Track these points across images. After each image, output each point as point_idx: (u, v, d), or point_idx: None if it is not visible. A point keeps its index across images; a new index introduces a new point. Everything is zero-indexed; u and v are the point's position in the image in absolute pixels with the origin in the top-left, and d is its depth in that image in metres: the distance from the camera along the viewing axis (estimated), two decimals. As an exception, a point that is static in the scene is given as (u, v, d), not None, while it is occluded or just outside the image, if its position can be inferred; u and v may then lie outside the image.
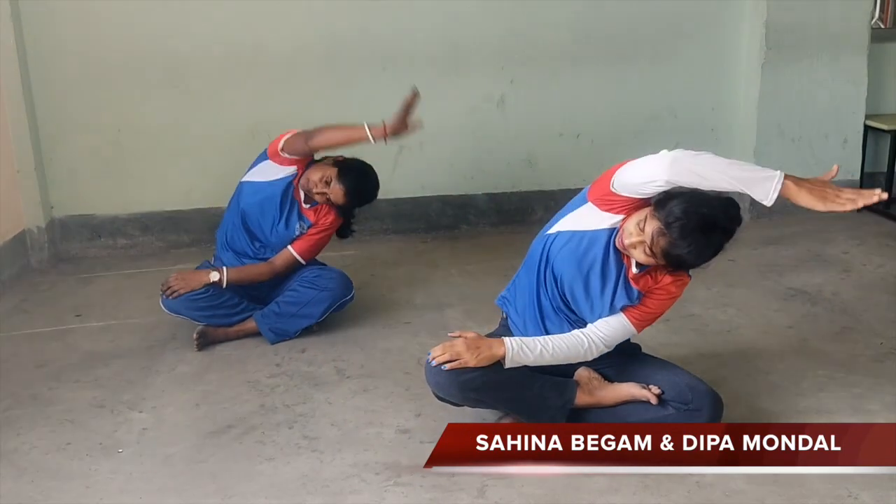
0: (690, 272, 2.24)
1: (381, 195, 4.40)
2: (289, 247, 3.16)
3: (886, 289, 3.53)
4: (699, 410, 2.24)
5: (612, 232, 2.21)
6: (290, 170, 3.14)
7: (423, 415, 2.56)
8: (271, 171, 3.15)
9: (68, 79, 4.07)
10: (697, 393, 2.26)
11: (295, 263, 3.17)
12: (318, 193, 3.08)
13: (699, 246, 2.05)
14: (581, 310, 2.29)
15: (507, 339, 2.21)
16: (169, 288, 3.04)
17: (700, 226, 2.04)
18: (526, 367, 2.24)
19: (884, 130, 4.60)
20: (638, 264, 2.21)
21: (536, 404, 2.29)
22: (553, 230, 2.31)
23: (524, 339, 2.24)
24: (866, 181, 4.69)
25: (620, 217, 2.19)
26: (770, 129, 4.50)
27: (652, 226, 2.07)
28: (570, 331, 2.30)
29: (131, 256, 4.22)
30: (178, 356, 3.02)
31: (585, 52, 4.41)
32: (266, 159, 3.15)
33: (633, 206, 2.17)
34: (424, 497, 2.15)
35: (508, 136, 4.48)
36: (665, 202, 2.08)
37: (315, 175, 3.07)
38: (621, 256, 2.23)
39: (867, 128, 4.59)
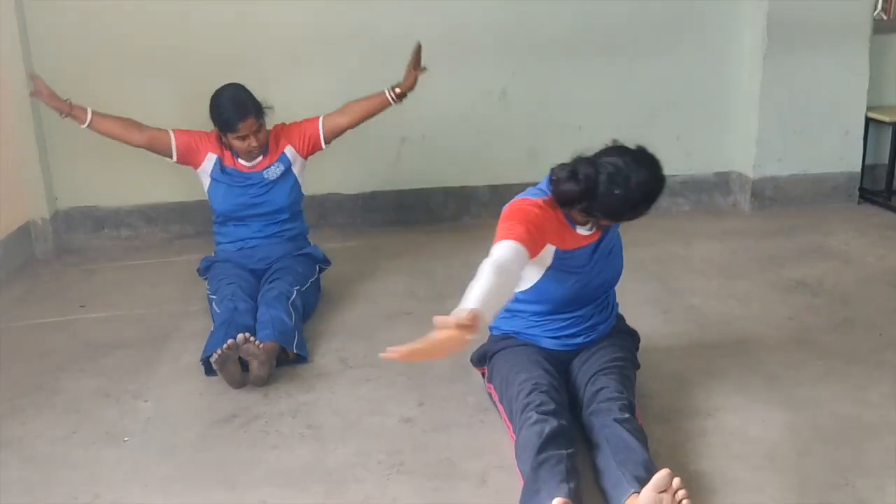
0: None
1: (384, 186, 4.49)
2: (318, 123, 3.36)
3: (887, 280, 3.55)
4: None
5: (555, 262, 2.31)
6: (210, 158, 3.31)
7: (425, 404, 2.59)
8: (202, 178, 3.38)
9: (71, 71, 4.07)
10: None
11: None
12: (254, 149, 3.23)
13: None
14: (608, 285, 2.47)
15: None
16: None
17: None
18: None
19: (885, 122, 4.60)
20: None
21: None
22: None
23: None
24: (867, 173, 4.70)
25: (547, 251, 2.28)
26: (771, 121, 4.50)
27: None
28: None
29: (135, 248, 4.24)
30: (182, 346, 3.04)
31: (587, 44, 4.42)
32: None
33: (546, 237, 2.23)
34: (427, 485, 2.17)
35: (510, 128, 4.49)
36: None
37: (239, 145, 3.22)
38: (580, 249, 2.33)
39: (868, 119, 4.59)
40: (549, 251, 2.27)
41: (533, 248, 2.14)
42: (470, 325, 1.77)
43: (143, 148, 3.35)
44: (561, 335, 2.46)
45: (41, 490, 2.20)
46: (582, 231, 2.32)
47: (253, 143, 3.20)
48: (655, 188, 2.19)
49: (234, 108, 3.16)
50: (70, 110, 3.27)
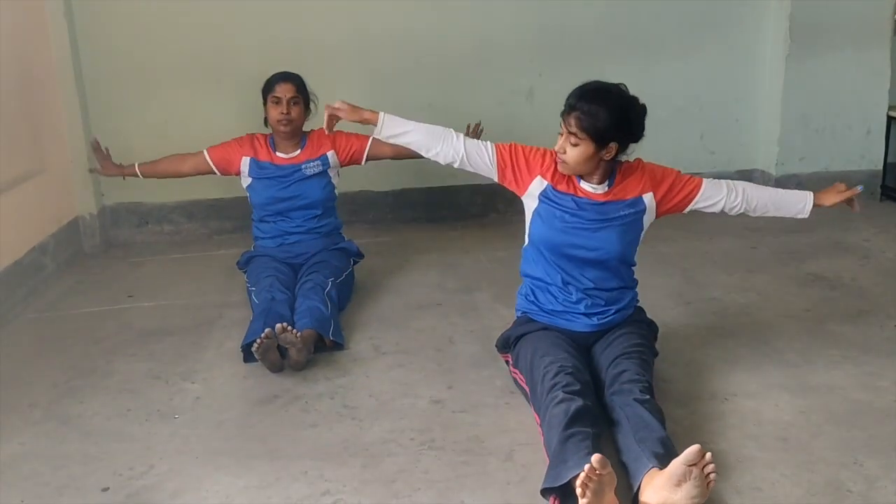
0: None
1: (413, 184, 4.64)
2: (366, 143, 3.54)
3: (904, 275, 3.63)
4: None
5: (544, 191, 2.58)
6: (245, 161, 3.49)
7: (454, 387, 2.73)
8: (243, 183, 3.57)
9: (118, 75, 4.28)
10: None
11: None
12: (284, 118, 3.37)
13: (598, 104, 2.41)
14: (603, 255, 2.58)
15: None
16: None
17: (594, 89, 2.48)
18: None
19: (907, 121, 4.67)
20: (598, 183, 2.54)
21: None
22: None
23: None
24: (889, 171, 4.77)
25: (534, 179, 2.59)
26: (794, 120, 4.59)
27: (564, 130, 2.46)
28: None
29: (177, 242, 4.44)
30: (225, 334, 3.21)
31: (612, 45, 4.55)
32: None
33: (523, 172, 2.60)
34: (457, 460, 2.31)
35: (537, 127, 4.59)
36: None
37: (273, 113, 3.39)
38: (571, 196, 2.55)
39: (890, 118, 4.67)
40: (537, 184, 2.58)
41: (504, 160, 2.59)
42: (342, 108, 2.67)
43: (192, 175, 3.62)
44: (575, 312, 2.60)
45: (100, 461, 2.37)
46: (586, 186, 2.56)
47: (284, 110, 3.36)
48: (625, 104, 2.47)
49: (279, 74, 3.44)
50: (123, 171, 3.65)
